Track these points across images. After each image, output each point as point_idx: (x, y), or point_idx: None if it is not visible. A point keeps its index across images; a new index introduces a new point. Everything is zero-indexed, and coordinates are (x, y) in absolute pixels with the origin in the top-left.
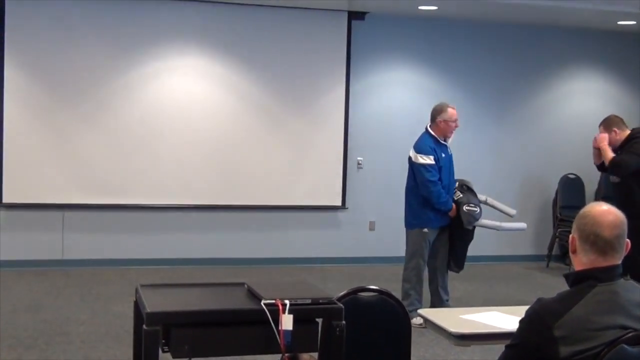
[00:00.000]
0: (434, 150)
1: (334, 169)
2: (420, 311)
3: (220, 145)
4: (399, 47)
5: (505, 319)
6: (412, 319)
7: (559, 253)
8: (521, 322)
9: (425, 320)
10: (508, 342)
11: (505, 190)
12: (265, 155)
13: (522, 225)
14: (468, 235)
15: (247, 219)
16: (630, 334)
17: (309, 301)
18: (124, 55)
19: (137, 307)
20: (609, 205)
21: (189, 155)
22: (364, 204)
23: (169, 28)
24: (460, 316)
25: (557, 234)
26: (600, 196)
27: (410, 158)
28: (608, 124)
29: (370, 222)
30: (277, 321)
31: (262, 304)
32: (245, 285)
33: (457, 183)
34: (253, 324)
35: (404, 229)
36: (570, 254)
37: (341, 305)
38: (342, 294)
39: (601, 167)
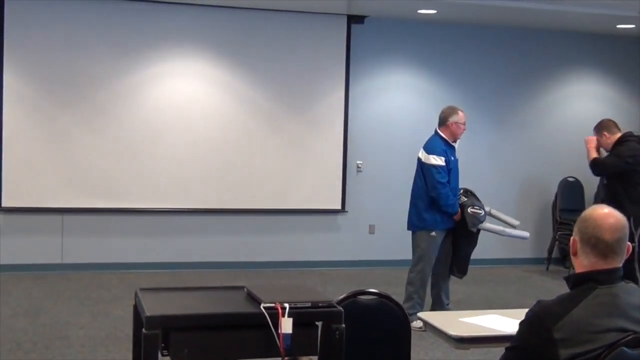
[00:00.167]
0: (445, 152)
1: (333, 172)
2: (420, 314)
3: (219, 149)
4: (398, 51)
5: (505, 322)
6: (412, 322)
7: (559, 256)
8: (521, 324)
9: (425, 323)
10: (508, 344)
11: (505, 194)
12: (265, 158)
13: (526, 234)
14: (472, 241)
15: (247, 222)
16: (630, 337)
17: (308, 304)
18: (124, 59)
19: (137, 310)
20: (610, 208)
21: (189, 159)
22: (364, 207)
23: (169, 31)
24: (460, 319)
25: (556, 237)
26: (599, 199)
27: (419, 159)
28: (599, 127)
29: (370, 225)
30: (276, 324)
31: (261, 307)
32: (245, 289)
33: (462, 190)
34: (253, 327)
35: (404, 232)
36: (571, 256)
37: (341, 308)
38: (341, 297)
39: (596, 172)
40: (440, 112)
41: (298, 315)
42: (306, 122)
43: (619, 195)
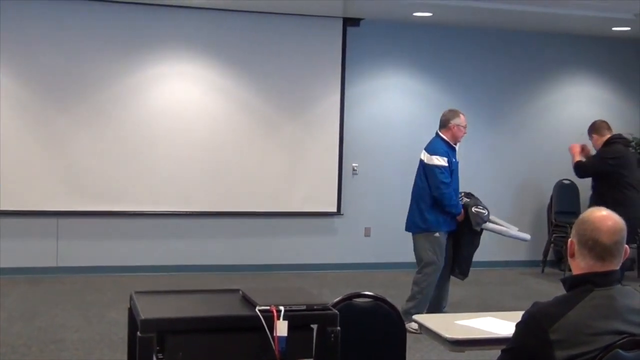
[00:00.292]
0: (447, 153)
1: (329, 175)
2: (415, 317)
3: (215, 152)
4: (394, 53)
5: (500, 325)
6: (407, 323)
7: (554, 259)
8: (517, 325)
9: (420, 325)
10: (503, 347)
11: (500, 196)
12: (261, 161)
13: (527, 235)
14: (475, 241)
15: (242, 225)
16: (625, 339)
17: (303, 307)
18: (120, 62)
19: (132, 314)
20: (609, 211)
21: (184, 162)
22: (360, 210)
23: (165, 35)
24: (455, 322)
25: (552, 239)
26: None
27: (422, 161)
28: (590, 129)
29: (365, 228)
30: (271, 327)
31: (256, 310)
32: (240, 292)
33: (462, 193)
34: (248, 330)
35: (401, 234)
36: (569, 258)
37: (336, 311)
38: (337, 300)
39: (579, 175)
40: (441, 114)
41: (293, 318)
42: (302, 124)
43: (604, 197)
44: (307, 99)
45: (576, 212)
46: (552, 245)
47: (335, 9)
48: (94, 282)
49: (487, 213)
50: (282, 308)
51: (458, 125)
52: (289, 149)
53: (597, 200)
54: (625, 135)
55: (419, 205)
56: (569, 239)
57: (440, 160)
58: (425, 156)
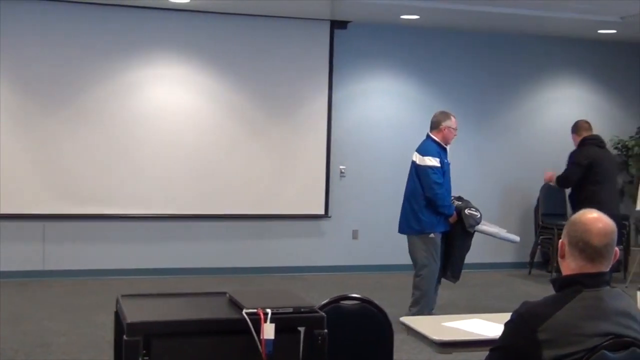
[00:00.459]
0: (439, 154)
1: (316, 177)
2: (402, 319)
3: (202, 154)
4: (381, 56)
5: (488, 326)
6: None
7: (541, 260)
8: (506, 324)
9: (408, 328)
10: (491, 347)
11: (487, 198)
12: (248, 164)
13: (517, 237)
14: (467, 244)
15: (230, 228)
16: (610, 341)
17: (290, 310)
18: (106, 64)
19: (118, 317)
20: (600, 213)
21: (171, 165)
22: (347, 212)
23: (152, 37)
24: (443, 323)
25: (539, 241)
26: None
27: (414, 162)
28: (572, 128)
29: (353, 230)
30: (258, 330)
31: (243, 313)
32: (227, 295)
33: (453, 197)
34: (234, 333)
35: (388, 237)
36: (559, 258)
37: (323, 314)
38: (324, 302)
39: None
40: (432, 116)
41: (280, 321)
42: (289, 127)
43: (579, 196)
44: (295, 101)
45: (563, 214)
46: (539, 247)
47: (323, 12)
48: (80, 285)
49: (479, 215)
50: (269, 311)
51: (449, 127)
52: (277, 152)
53: (572, 200)
54: (598, 135)
55: (412, 207)
56: (560, 240)
57: (432, 161)
58: (417, 157)
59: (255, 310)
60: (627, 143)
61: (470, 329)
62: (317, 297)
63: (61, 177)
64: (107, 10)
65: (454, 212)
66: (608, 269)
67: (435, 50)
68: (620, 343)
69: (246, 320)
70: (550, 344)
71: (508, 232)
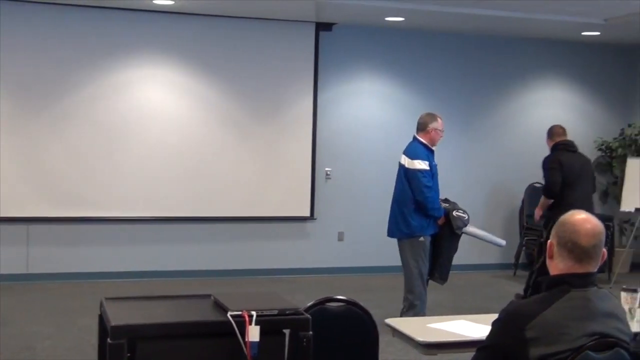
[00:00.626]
0: (428, 156)
1: (302, 179)
2: (387, 321)
3: (187, 157)
4: (366, 58)
5: (473, 328)
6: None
7: (526, 261)
8: (494, 323)
9: (393, 329)
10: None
11: (472, 200)
12: (233, 166)
13: (503, 241)
14: (454, 245)
15: (215, 230)
16: (595, 341)
17: (275, 312)
18: (90, 66)
19: (102, 320)
20: (589, 214)
21: (156, 167)
22: (333, 214)
23: (136, 39)
24: (428, 325)
25: (523, 242)
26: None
27: (403, 165)
28: (546, 133)
29: (339, 232)
30: (243, 332)
31: (228, 315)
32: (212, 297)
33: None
34: (219, 335)
35: (374, 238)
36: (547, 259)
37: (308, 315)
38: (309, 304)
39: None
40: (418, 118)
41: (265, 323)
42: (275, 129)
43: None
44: (280, 103)
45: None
46: (523, 248)
47: (308, 14)
48: (65, 288)
49: (467, 217)
50: (254, 313)
51: (436, 129)
52: (262, 154)
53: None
54: (570, 140)
55: (402, 210)
56: (549, 241)
57: (422, 164)
58: (406, 161)
59: (240, 313)
60: (610, 144)
61: (455, 330)
62: (302, 299)
63: (45, 180)
64: (91, 12)
65: (443, 214)
66: (596, 270)
67: (420, 52)
68: (604, 343)
69: (231, 323)
70: (537, 342)
71: (494, 235)
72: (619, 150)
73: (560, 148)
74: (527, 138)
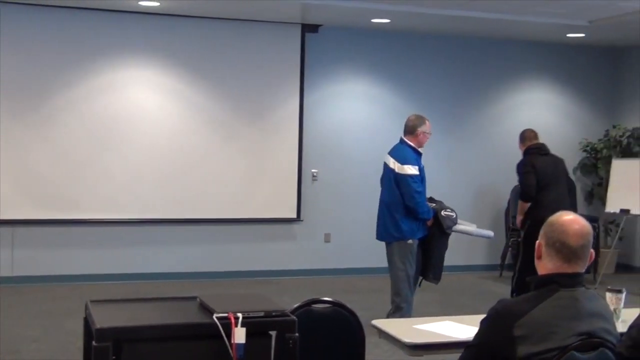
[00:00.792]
0: (417, 160)
1: (288, 181)
2: (374, 322)
3: (173, 158)
4: (352, 59)
5: (459, 329)
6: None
7: (512, 262)
8: (482, 322)
9: (379, 330)
10: (461, 351)
11: (458, 201)
12: (219, 168)
13: (491, 232)
14: (445, 244)
15: (201, 232)
16: (581, 341)
17: (261, 314)
18: (76, 67)
19: (87, 323)
20: (576, 215)
21: (142, 169)
22: (319, 216)
23: (122, 40)
24: (414, 326)
25: (509, 243)
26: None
27: (392, 170)
28: (519, 138)
29: (325, 234)
30: (229, 335)
31: (214, 317)
32: (198, 299)
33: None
34: (205, 338)
35: (361, 240)
36: (535, 259)
37: (294, 317)
38: (295, 306)
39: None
40: (406, 120)
41: (251, 325)
42: (261, 130)
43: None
44: (266, 105)
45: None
46: (509, 249)
47: (294, 16)
48: (50, 291)
49: (455, 215)
50: (239, 315)
51: (424, 132)
52: (248, 155)
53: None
54: (542, 143)
55: (392, 215)
56: (537, 242)
57: (412, 170)
58: (395, 165)
59: (226, 315)
60: (595, 146)
61: (441, 331)
62: (288, 301)
63: (30, 182)
64: (77, 14)
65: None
66: (584, 270)
67: (406, 53)
68: (590, 344)
69: (217, 325)
70: (525, 340)
71: (481, 228)
72: (604, 151)
73: (533, 152)
74: (513, 139)
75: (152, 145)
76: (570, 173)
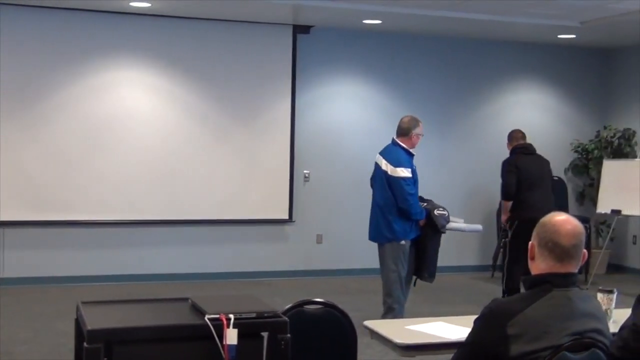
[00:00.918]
0: (410, 162)
1: (280, 182)
2: (366, 323)
3: (165, 160)
4: (344, 60)
5: (451, 329)
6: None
7: (502, 263)
8: (476, 321)
9: (371, 331)
10: (454, 351)
11: (450, 201)
12: (212, 169)
13: (479, 227)
14: (438, 242)
15: (193, 233)
16: (573, 341)
17: (253, 315)
18: (67, 68)
19: (78, 324)
20: (568, 215)
21: (133, 170)
22: (311, 217)
23: (113, 41)
24: (406, 327)
25: (501, 244)
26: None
27: (385, 172)
28: (507, 138)
29: (317, 235)
30: (221, 336)
31: (206, 318)
32: (189, 301)
33: None
34: (197, 339)
35: (353, 241)
36: (529, 260)
37: (286, 318)
38: (287, 307)
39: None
40: (399, 121)
41: (243, 326)
42: (253, 131)
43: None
44: (258, 106)
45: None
46: (501, 250)
47: (286, 17)
48: (41, 292)
49: (447, 214)
50: (231, 316)
51: (418, 134)
52: (240, 156)
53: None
54: (529, 144)
55: (385, 216)
56: (530, 242)
57: (405, 172)
58: (388, 167)
59: (217, 316)
60: (587, 146)
61: (433, 332)
62: (280, 302)
63: (20, 183)
64: (67, 14)
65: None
66: (576, 270)
67: (397, 54)
68: (582, 344)
69: (209, 326)
70: (518, 339)
71: (471, 225)
72: (595, 152)
73: (519, 151)
74: (504, 140)
75: (143, 146)
76: (561, 174)
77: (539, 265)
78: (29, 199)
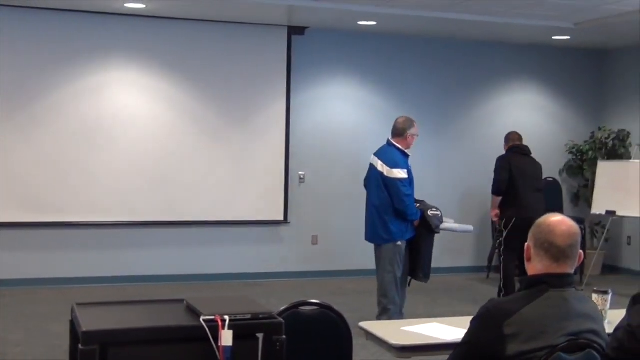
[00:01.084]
0: (406, 164)
1: (275, 183)
2: (361, 324)
3: (159, 161)
4: (338, 62)
5: (446, 330)
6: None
7: (499, 264)
8: (472, 320)
9: (367, 332)
10: (450, 352)
11: (445, 202)
12: (206, 170)
13: (471, 227)
14: (432, 242)
15: (188, 235)
16: (568, 342)
17: (249, 316)
18: (60, 69)
19: (73, 326)
20: (564, 216)
21: (127, 171)
22: (307, 218)
23: (107, 42)
24: (401, 328)
25: (496, 245)
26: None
27: (381, 173)
28: (504, 139)
29: (313, 236)
30: (216, 337)
31: (201, 320)
32: (184, 302)
33: None
34: (192, 340)
35: (348, 242)
36: (525, 262)
37: (281, 319)
38: (283, 308)
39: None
40: (395, 122)
41: (238, 328)
42: (247, 133)
43: (504, 200)
44: (253, 107)
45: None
46: (496, 251)
47: (280, 18)
48: (35, 294)
49: (440, 214)
50: (226, 317)
51: (413, 135)
52: (235, 158)
53: (501, 204)
54: (524, 145)
55: (382, 217)
56: (526, 244)
57: (401, 173)
58: (384, 169)
59: (213, 317)
60: (581, 147)
61: (429, 333)
62: (276, 303)
63: (15, 185)
64: (62, 15)
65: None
66: (572, 271)
67: (392, 55)
68: (577, 344)
69: (204, 328)
70: (514, 338)
71: (463, 225)
72: (590, 153)
73: (514, 151)
74: (499, 141)
75: (138, 148)
76: (556, 175)
77: (535, 266)
78: (23, 200)
